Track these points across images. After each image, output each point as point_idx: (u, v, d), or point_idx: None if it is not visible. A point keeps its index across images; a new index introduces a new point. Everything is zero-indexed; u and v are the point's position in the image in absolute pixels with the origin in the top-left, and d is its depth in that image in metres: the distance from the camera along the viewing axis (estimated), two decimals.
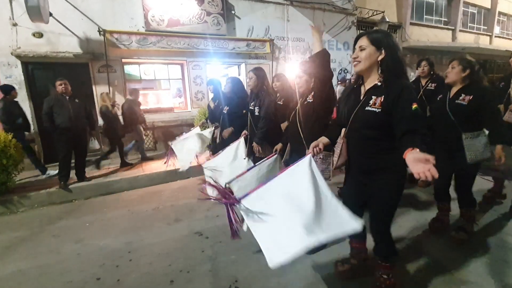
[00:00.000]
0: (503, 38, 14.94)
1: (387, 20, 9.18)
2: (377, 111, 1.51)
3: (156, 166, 5.18)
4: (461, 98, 2.29)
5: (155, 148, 6.62)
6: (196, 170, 5.01)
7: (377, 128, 1.54)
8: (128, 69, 6.52)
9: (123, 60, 6.14)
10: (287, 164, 2.58)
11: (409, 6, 10.63)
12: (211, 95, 6.66)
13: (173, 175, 4.84)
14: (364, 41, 1.56)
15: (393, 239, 1.81)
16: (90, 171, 4.79)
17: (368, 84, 1.63)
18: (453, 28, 12.35)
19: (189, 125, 6.56)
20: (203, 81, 7.02)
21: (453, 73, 2.34)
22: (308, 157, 1.68)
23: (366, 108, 1.56)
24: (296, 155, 2.29)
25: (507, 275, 2.03)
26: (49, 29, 5.28)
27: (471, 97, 2.23)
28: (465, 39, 12.79)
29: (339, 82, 8.16)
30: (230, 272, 2.21)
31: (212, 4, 6.72)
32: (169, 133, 6.65)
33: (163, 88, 7.19)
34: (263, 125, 2.88)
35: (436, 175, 1.11)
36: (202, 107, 6.42)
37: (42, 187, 4.15)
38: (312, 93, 2.22)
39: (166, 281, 2.15)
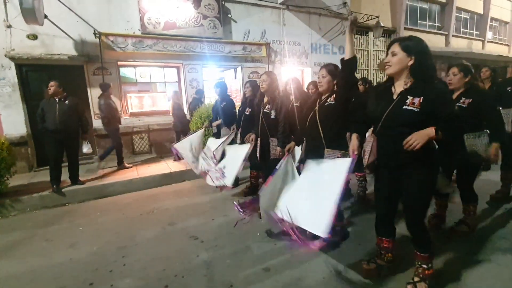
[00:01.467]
0: (495, 43, 15.22)
1: (382, 25, 9.29)
2: (416, 110, 1.64)
3: (151, 170, 5.15)
4: (461, 101, 2.40)
5: (150, 151, 6.58)
6: (192, 173, 5.01)
7: (413, 125, 1.64)
8: (123, 71, 6.49)
9: (119, 63, 6.12)
10: (303, 163, 2.71)
11: (403, 11, 10.77)
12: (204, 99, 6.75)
13: (168, 179, 4.82)
14: (396, 48, 1.72)
15: (427, 229, 1.89)
16: (83, 174, 4.75)
17: (400, 85, 1.76)
18: (446, 33, 12.53)
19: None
20: (199, 84, 7.03)
21: (455, 80, 2.44)
22: (349, 160, 1.88)
23: (404, 107, 1.68)
24: (314, 154, 2.38)
25: (500, 277, 2.04)
26: (44, 31, 5.25)
27: (470, 100, 2.35)
28: (458, 44, 12.99)
29: None
30: (225, 277, 2.20)
31: (208, 7, 6.74)
32: (164, 136, 6.62)
33: (159, 91, 7.16)
34: (283, 129, 2.97)
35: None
36: (198, 110, 6.41)
37: (35, 191, 4.10)
38: (333, 95, 2.30)
39: (160, 286, 2.13)
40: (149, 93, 7.01)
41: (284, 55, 8.04)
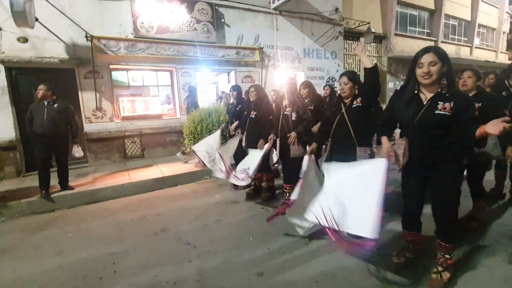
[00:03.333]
0: (483, 49, 15.64)
1: (373, 30, 9.46)
2: (448, 114, 1.79)
3: (143, 174, 5.09)
4: None
5: (142, 156, 6.52)
6: (186, 178, 4.98)
7: (444, 127, 1.82)
8: (116, 75, 6.44)
9: (111, 66, 6.06)
10: (329, 161, 2.87)
11: (393, 18, 11.00)
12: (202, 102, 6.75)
13: (160, 183, 4.77)
14: (433, 57, 1.81)
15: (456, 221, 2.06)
16: (74, 179, 4.67)
17: (430, 92, 1.90)
18: (435, 39, 12.83)
19: (178, 132, 6.51)
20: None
21: (471, 82, 2.60)
22: (384, 162, 1.95)
23: (436, 112, 1.82)
24: (342, 153, 2.58)
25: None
26: (35, 34, 5.17)
27: (480, 104, 2.45)
28: (447, 50, 12.74)
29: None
30: (218, 282, 2.18)
31: (201, 12, 6.76)
32: (157, 140, 6.57)
33: (152, 95, 7.12)
34: (306, 123, 3.21)
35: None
36: (192, 114, 6.38)
37: (23, 196, 4.00)
38: (359, 98, 2.53)
39: None
40: (141, 97, 6.96)
41: (277, 59, 8.09)
